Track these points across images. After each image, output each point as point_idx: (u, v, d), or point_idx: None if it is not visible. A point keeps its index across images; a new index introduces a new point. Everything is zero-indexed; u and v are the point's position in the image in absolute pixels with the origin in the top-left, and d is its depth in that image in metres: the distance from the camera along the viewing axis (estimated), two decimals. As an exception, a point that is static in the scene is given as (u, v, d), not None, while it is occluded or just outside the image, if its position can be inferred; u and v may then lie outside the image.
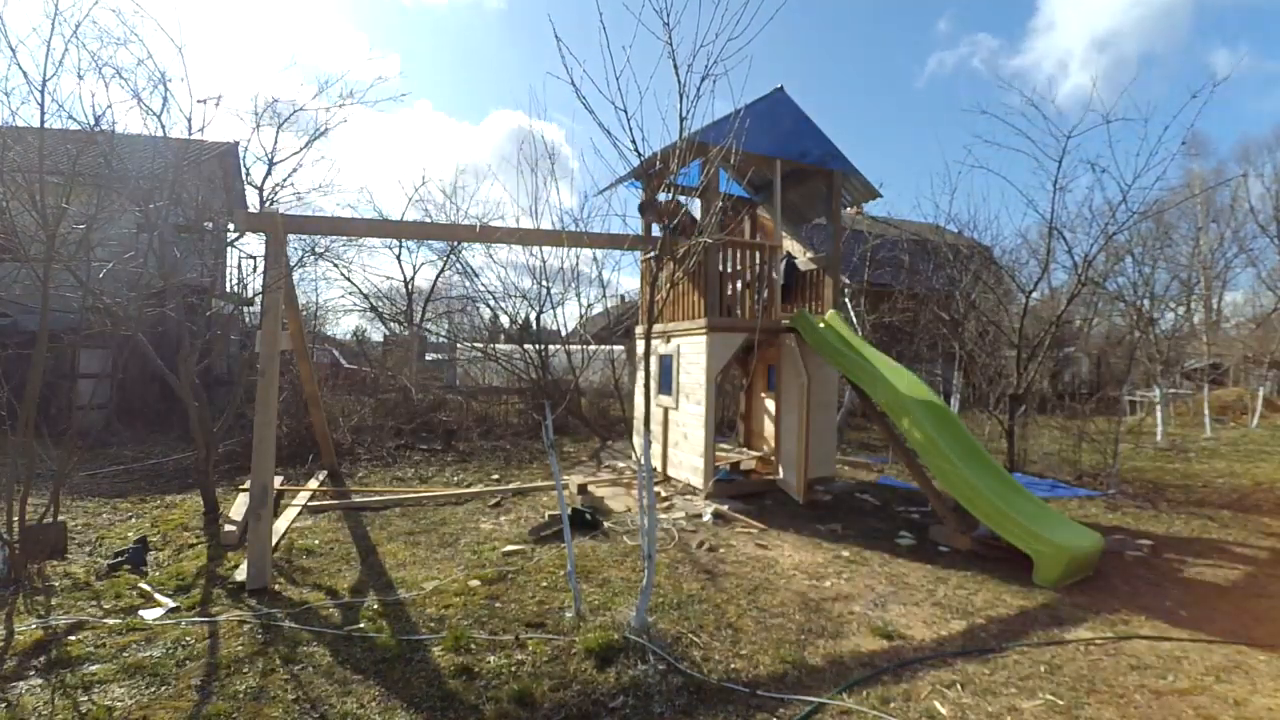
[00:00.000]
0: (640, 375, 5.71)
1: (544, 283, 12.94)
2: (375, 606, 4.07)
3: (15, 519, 4.33)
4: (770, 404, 8.13)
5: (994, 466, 5.89)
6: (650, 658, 3.36)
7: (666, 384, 7.89)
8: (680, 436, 7.54)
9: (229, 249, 14.07)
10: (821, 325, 7.22)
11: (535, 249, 12.93)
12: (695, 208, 8.16)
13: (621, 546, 5.37)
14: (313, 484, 7.33)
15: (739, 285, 8.07)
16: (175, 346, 5.75)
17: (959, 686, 3.25)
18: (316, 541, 5.39)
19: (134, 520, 6.01)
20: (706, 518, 6.25)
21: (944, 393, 12.10)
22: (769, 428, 8.13)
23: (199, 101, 5.34)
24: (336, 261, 14.98)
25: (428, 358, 18.52)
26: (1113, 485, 7.93)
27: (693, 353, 7.29)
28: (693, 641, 3.64)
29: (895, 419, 6.01)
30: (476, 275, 15.15)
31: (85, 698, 2.98)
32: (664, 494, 7.10)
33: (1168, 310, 14.31)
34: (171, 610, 3.96)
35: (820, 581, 4.70)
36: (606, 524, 5.93)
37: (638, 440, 6.41)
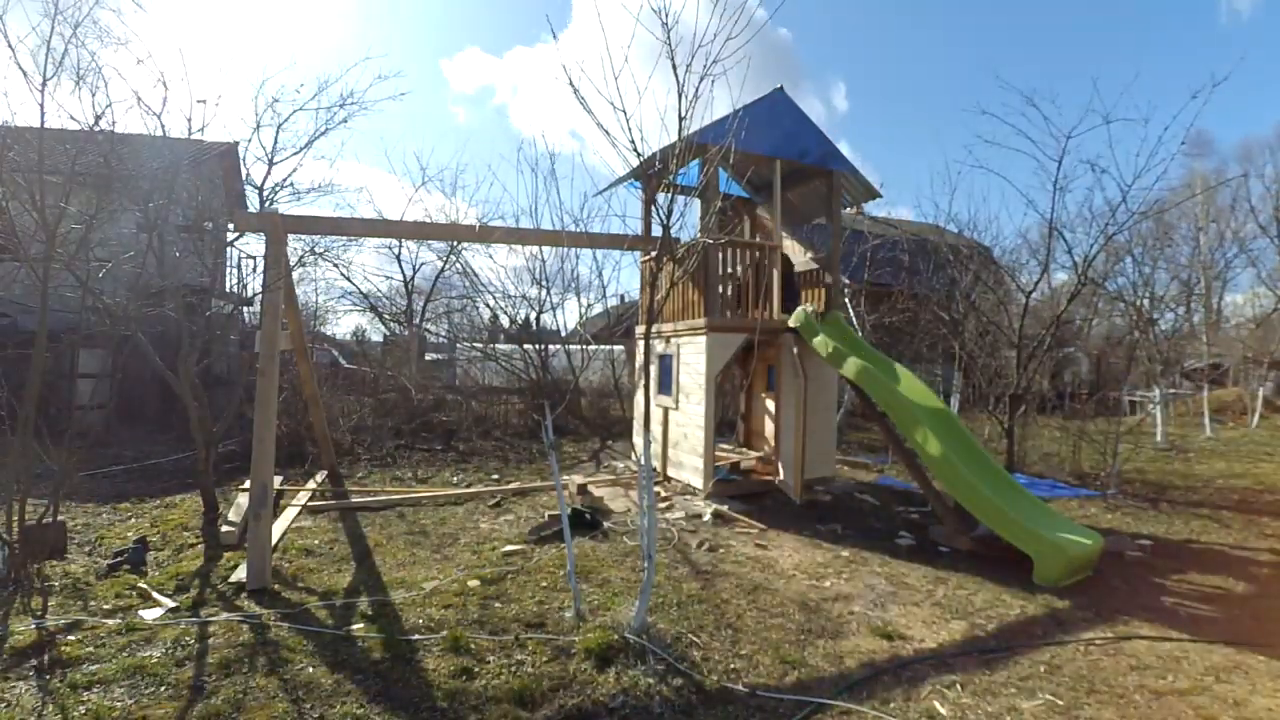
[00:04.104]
0: (640, 375, 5.71)
1: (544, 283, 12.96)
2: (374, 607, 4.06)
3: (15, 519, 4.33)
4: (770, 404, 8.12)
5: (994, 467, 5.89)
6: (650, 658, 3.36)
7: (666, 384, 7.89)
8: (680, 436, 7.54)
9: (229, 249, 14.08)
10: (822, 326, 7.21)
11: (535, 249, 12.95)
12: (695, 208, 8.16)
13: (621, 546, 5.37)
14: (312, 484, 7.33)
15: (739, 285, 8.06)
16: (175, 346, 5.75)
17: (959, 686, 3.25)
18: (316, 542, 5.38)
19: (134, 520, 6.01)
20: (706, 518, 6.25)
21: (944, 393, 12.09)
22: (769, 428, 8.13)
23: (199, 101, 5.35)
24: (336, 262, 14.99)
25: (428, 358, 18.50)
26: (1113, 485, 7.93)
27: (692, 353, 7.29)
28: (692, 642, 3.64)
29: (903, 426, 6.00)
30: (476, 275, 15.11)
31: (84, 697, 2.98)
32: (664, 494, 7.10)
33: (1168, 310, 14.30)
34: (171, 610, 3.95)
35: (820, 582, 4.70)
36: (606, 524, 5.93)
37: (638, 440, 6.40)
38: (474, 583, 4.45)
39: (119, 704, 2.93)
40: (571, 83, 3.70)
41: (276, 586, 4.37)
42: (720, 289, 7.32)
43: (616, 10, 3.63)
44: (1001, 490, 5.49)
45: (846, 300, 11.97)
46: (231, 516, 5.76)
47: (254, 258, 15.24)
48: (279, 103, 6.13)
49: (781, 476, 7.53)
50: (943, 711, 3.02)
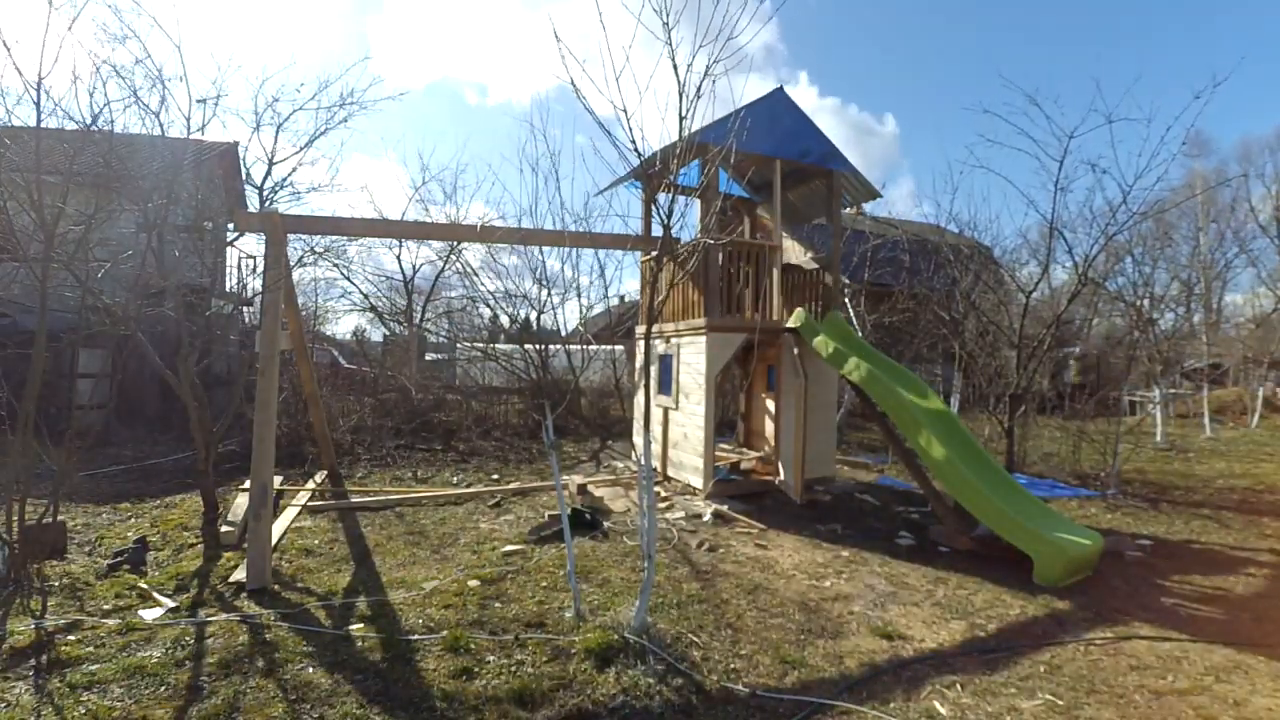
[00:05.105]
0: (641, 375, 5.71)
1: (544, 283, 12.96)
2: (373, 607, 4.06)
3: (15, 519, 4.33)
4: (770, 404, 8.12)
5: (994, 467, 5.89)
6: (650, 658, 3.35)
7: (666, 384, 7.89)
8: (680, 436, 7.54)
9: (229, 249, 14.08)
10: (821, 327, 7.21)
11: (535, 250, 12.95)
12: (695, 208, 8.15)
13: (621, 546, 5.36)
14: (312, 484, 7.33)
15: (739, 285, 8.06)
16: (175, 346, 5.75)
17: (959, 686, 3.25)
18: (315, 542, 5.38)
19: (134, 520, 6.01)
20: (706, 518, 6.25)
21: (944, 393, 12.09)
22: (769, 428, 8.13)
23: (198, 101, 5.34)
24: (336, 262, 14.97)
25: (428, 358, 18.49)
26: (1113, 485, 7.93)
27: (692, 353, 7.29)
28: (692, 642, 3.64)
29: (904, 427, 5.99)
30: (476, 275, 15.11)
31: (83, 697, 2.97)
32: (664, 494, 7.10)
33: (1168, 310, 14.32)
34: (170, 610, 3.95)
35: (820, 582, 4.70)
36: (606, 524, 5.93)
37: (638, 440, 6.41)
38: (474, 583, 4.45)
39: (118, 704, 2.93)
40: (573, 82, 3.70)
41: (276, 587, 4.37)
42: (720, 289, 7.32)
43: (617, 10, 3.63)
44: (1002, 490, 5.49)
45: (846, 300, 11.97)
46: (231, 516, 5.76)
47: (254, 258, 15.26)
48: (279, 102, 6.13)
49: (781, 476, 7.53)
50: (943, 711, 3.02)
